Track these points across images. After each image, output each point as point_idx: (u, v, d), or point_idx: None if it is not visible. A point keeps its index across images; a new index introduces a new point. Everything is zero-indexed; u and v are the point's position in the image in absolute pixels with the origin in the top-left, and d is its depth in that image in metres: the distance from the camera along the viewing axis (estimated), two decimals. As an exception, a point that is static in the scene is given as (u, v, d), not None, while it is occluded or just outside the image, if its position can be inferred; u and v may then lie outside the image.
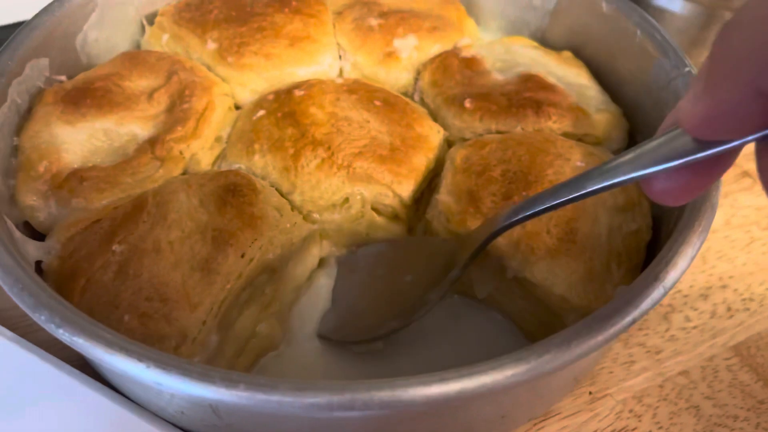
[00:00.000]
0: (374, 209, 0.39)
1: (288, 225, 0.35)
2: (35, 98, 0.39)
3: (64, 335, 0.25)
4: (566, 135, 0.40)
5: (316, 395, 0.24)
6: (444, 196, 0.38)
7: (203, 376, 0.24)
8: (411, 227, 0.41)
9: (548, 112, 0.40)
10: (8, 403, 0.33)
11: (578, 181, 0.27)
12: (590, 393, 0.36)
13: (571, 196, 0.27)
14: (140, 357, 0.24)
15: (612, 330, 0.25)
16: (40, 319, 0.26)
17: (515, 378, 0.24)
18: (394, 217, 0.40)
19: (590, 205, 0.36)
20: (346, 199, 0.39)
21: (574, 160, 0.38)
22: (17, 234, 0.32)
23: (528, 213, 0.30)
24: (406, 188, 0.39)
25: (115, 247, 0.32)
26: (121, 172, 0.37)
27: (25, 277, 0.27)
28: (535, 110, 0.40)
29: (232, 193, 0.35)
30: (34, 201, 0.35)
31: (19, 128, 0.38)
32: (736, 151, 0.23)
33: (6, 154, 0.36)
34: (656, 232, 0.36)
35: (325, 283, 0.39)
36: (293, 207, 0.38)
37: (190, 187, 0.35)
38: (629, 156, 0.25)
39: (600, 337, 0.25)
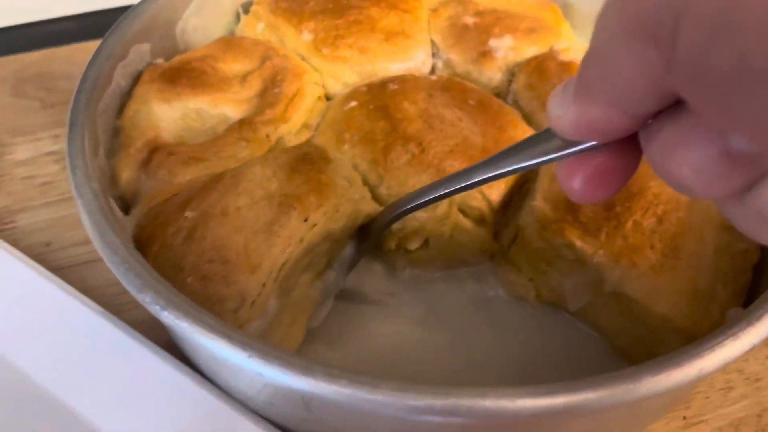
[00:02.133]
0: (461, 210, 0.38)
1: (357, 196, 0.35)
2: (135, 81, 0.40)
3: (168, 317, 0.26)
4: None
5: (417, 398, 0.23)
6: (540, 203, 0.36)
7: (305, 370, 0.23)
8: (497, 232, 0.40)
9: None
10: (97, 379, 0.33)
11: (467, 171, 0.29)
12: (684, 418, 0.34)
13: (461, 185, 0.29)
14: (244, 346, 0.24)
15: (738, 354, 0.24)
16: (145, 300, 0.26)
17: (626, 396, 0.23)
18: (480, 220, 0.39)
19: (697, 221, 0.34)
20: (435, 199, 0.38)
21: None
22: (119, 213, 0.33)
23: (422, 201, 0.32)
24: (496, 192, 0.38)
25: (188, 213, 0.32)
26: (207, 150, 0.37)
27: (131, 257, 0.28)
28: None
29: (302, 161, 0.34)
30: (131, 176, 0.36)
31: (120, 110, 0.39)
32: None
33: (109, 135, 0.37)
34: (763, 252, 0.34)
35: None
36: (375, 196, 0.38)
37: (266, 160, 0.35)
38: (512, 149, 0.27)
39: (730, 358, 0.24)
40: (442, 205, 0.38)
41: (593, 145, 0.23)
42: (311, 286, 0.35)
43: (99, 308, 0.36)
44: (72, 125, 0.33)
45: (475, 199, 0.38)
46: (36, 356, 0.34)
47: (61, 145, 0.49)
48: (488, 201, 0.38)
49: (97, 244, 0.29)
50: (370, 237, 0.36)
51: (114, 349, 0.33)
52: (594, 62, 0.20)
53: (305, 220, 0.32)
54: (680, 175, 0.19)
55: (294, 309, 0.34)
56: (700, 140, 0.18)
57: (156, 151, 0.37)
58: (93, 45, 0.39)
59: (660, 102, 0.19)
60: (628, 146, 0.22)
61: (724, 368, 0.26)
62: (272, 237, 0.31)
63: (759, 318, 0.26)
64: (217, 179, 0.34)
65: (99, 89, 0.37)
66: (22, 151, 0.48)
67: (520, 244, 0.38)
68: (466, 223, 0.38)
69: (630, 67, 0.18)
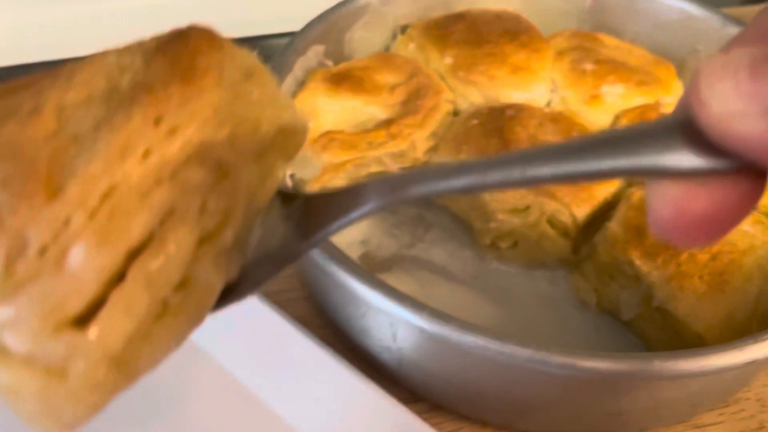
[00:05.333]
0: (549, 222, 0.46)
1: (255, 95, 0.21)
2: (309, 75, 0.51)
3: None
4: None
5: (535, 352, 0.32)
6: (614, 225, 0.43)
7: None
8: (576, 246, 0.47)
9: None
10: (273, 375, 0.40)
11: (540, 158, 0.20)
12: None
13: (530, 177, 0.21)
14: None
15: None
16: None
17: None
18: (564, 233, 0.46)
19: (748, 265, 0.39)
20: (528, 207, 0.46)
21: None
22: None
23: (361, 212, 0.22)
24: (583, 211, 0.45)
25: None
26: (361, 139, 0.47)
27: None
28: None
29: (174, 41, 0.21)
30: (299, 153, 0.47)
31: (294, 94, 0.50)
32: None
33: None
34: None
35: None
36: (480, 207, 0.46)
37: (129, 47, 0.22)
38: (609, 141, 0.19)
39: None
40: (534, 214, 0.46)
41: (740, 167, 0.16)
42: (199, 262, 0.20)
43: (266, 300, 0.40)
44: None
45: (563, 214, 0.45)
46: (237, 355, 0.40)
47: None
48: (574, 218, 0.45)
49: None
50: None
51: (305, 357, 0.38)
52: None
53: (156, 123, 0.19)
54: None
55: (152, 290, 0.19)
56: None
57: (322, 136, 0.47)
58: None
59: None
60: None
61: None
62: (98, 145, 0.19)
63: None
64: (61, 67, 0.21)
65: (282, 75, 0.48)
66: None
67: (593, 259, 0.45)
68: (552, 233, 0.46)
69: None
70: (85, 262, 0.17)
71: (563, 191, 0.45)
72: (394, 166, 0.49)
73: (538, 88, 0.52)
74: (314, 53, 0.51)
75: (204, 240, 0.20)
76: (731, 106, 0.14)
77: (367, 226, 0.49)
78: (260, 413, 0.40)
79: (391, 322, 0.37)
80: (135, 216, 0.18)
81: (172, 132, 0.19)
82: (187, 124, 0.19)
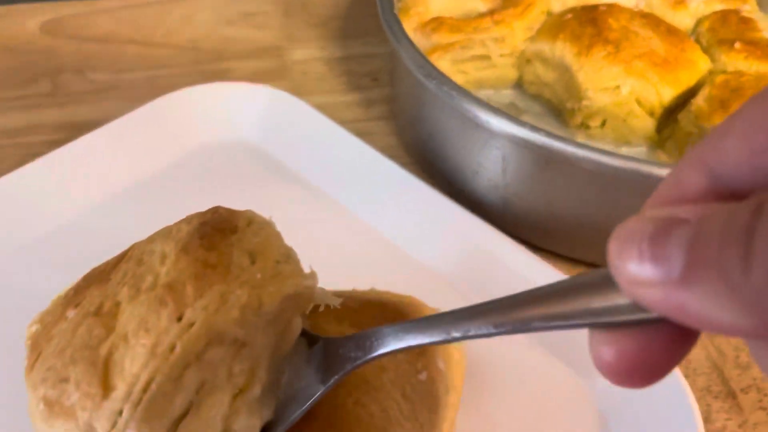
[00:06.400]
0: (637, 100, 0.51)
1: (258, 276, 0.25)
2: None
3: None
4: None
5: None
6: (698, 100, 0.48)
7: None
8: (659, 128, 0.51)
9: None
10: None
11: (461, 318, 0.21)
12: None
13: (438, 339, 0.22)
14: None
15: None
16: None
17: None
18: (650, 112, 0.51)
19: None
20: (618, 87, 0.51)
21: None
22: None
23: (396, 347, 0.24)
24: (669, 92, 0.50)
25: (69, 312, 0.26)
26: (466, 24, 0.52)
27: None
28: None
29: (196, 237, 0.26)
30: (411, 33, 0.52)
31: (407, -16, 0.55)
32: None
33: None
34: None
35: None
36: (574, 88, 0.51)
37: (169, 233, 0.27)
38: (540, 294, 0.19)
39: None
40: (624, 92, 0.50)
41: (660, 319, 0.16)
42: (236, 415, 0.25)
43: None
44: None
45: (650, 93, 0.50)
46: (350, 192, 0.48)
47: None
48: (660, 98, 0.50)
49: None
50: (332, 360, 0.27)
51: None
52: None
53: (179, 320, 0.24)
54: None
55: None
56: None
57: (431, 21, 0.53)
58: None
59: None
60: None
61: None
62: (137, 346, 0.24)
63: None
64: (120, 257, 0.28)
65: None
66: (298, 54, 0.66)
67: (675, 136, 0.49)
68: (639, 111, 0.51)
69: None
70: None
71: (653, 73, 0.50)
72: (496, 51, 0.54)
73: (626, -8, 0.57)
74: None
75: (236, 396, 0.25)
76: (634, 274, 0.15)
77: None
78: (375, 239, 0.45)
79: (504, 155, 0.43)
80: (172, 398, 0.23)
81: (191, 325, 0.24)
82: (202, 317, 0.24)
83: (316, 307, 0.29)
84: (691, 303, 0.14)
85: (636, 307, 0.16)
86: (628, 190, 0.40)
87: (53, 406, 0.24)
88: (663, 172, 0.37)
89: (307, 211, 0.48)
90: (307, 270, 0.26)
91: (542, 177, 0.42)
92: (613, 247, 0.15)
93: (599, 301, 0.17)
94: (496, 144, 0.42)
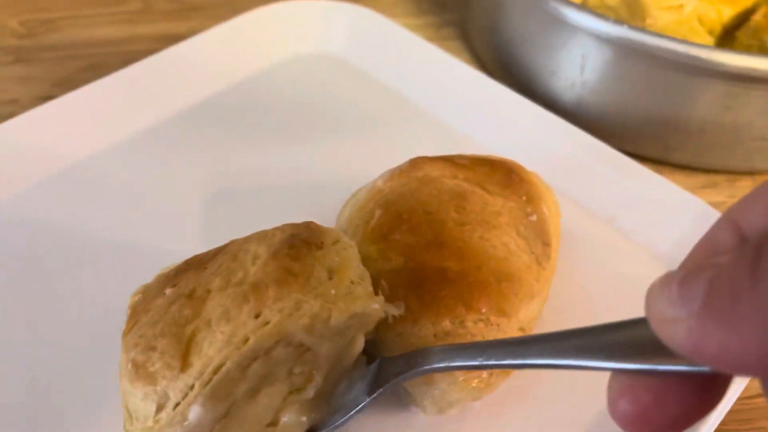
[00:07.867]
0: (699, 19, 0.55)
1: (333, 291, 0.28)
2: None
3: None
4: None
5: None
6: (756, 16, 0.52)
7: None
8: (718, 42, 0.55)
9: None
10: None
11: (521, 353, 0.23)
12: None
13: (514, 362, 0.24)
14: None
15: None
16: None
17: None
18: (710, 30, 0.55)
19: None
20: (681, 5, 0.54)
21: None
22: None
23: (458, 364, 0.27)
24: (728, 11, 0.54)
25: (167, 290, 0.30)
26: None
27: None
28: None
29: (287, 244, 0.29)
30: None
31: None
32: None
33: None
34: None
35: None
36: (638, 7, 0.55)
37: (265, 235, 0.31)
38: (577, 334, 0.21)
39: None
40: (686, 11, 0.54)
41: (698, 370, 0.17)
42: (287, 410, 0.30)
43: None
44: None
45: (712, 11, 0.54)
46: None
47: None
48: (721, 17, 0.54)
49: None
50: (382, 377, 0.30)
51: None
52: None
53: (256, 317, 0.27)
54: None
55: (248, 429, 0.29)
56: None
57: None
58: None
59: None
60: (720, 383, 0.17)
61: None
62: (216, 332, 0.27)
63: None
64: (219, 249, 0.31)
65: None
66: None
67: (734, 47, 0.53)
68: (701, 29, 0.55)
69: None
70: (199, 417, 0.27)
71: (713, -8, 0.54)
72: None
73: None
74: None
75: (292, 392, 0.30)
76: (662, 311, 0.16)
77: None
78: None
79: (583, 53, 0.47)
80: (237, 383, 0.27)
81: (266, 323, 0.27)
82: (276, 318, 0.27)
83: (431, 166, 0.36)
84: (708, 335, 0.15)
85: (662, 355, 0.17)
86: (700, 86, 0.44)
87: (139, 369, 0.27)
88: (734, 61, 0.41)
89: (392, 116, 0.52)
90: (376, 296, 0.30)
91: (619, 73, 0.46)
92: (649, 291, 0.17)
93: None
94: (577, 42, 0.47)
